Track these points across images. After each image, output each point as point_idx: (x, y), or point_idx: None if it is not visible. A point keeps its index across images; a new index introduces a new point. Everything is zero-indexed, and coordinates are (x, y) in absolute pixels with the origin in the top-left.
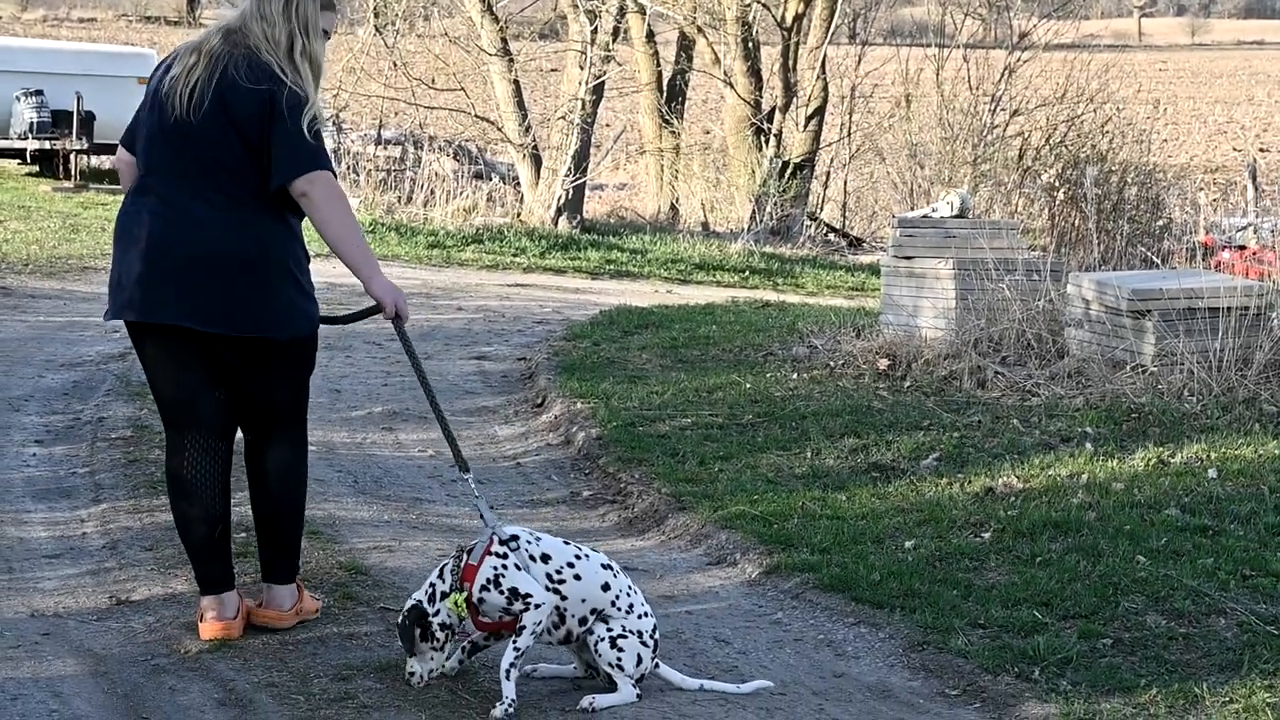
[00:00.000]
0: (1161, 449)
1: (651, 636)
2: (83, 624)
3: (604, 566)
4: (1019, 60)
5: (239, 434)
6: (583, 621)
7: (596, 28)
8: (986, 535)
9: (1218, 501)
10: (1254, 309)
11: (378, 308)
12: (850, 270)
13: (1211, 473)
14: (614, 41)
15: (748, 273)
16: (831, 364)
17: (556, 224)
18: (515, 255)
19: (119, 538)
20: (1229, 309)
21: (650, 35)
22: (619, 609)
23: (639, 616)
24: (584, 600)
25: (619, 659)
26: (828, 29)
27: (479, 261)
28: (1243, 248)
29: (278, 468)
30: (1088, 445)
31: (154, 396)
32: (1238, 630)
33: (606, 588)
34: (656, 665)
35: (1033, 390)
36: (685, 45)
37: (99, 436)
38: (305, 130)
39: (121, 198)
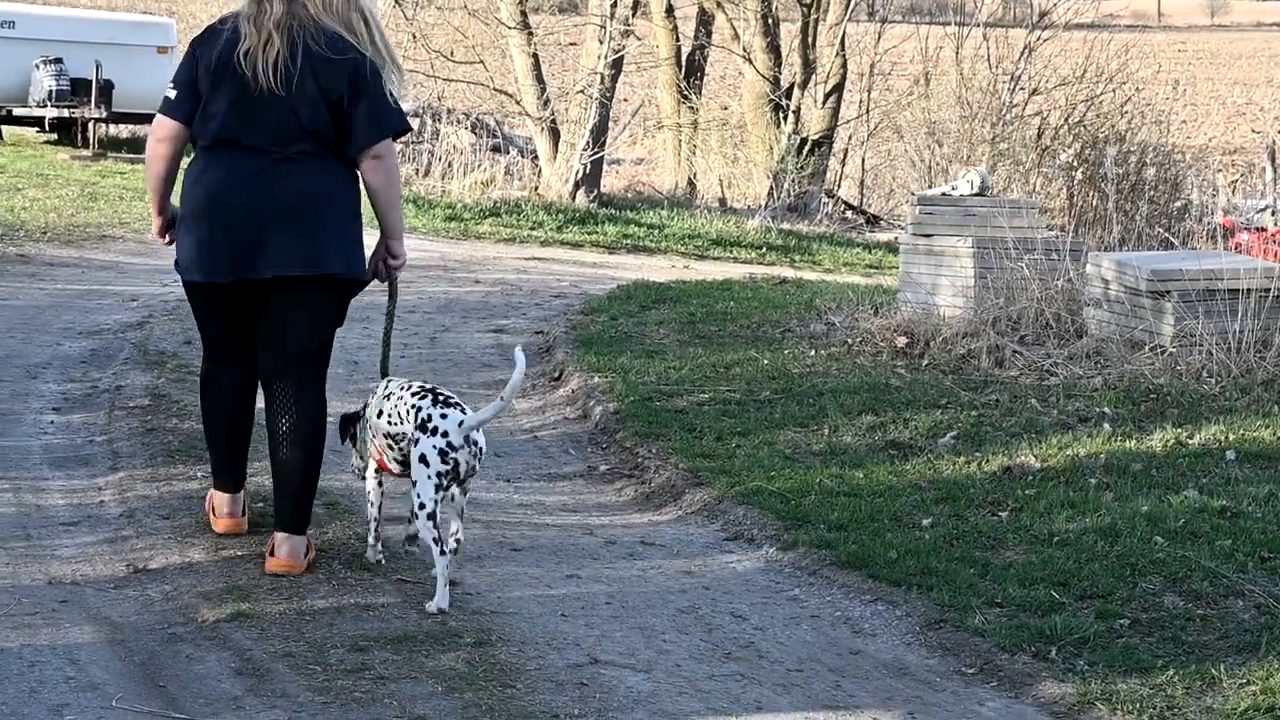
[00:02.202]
0: (1180, 430)
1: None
2: (100, 592)
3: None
4: (1039, 39)
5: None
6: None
7: (616, 2)
8: (1004, 514)
9: (1236, 483)
10: (1274, 291)
11: (369, 280)
12: (868, 248)
13: (1230, 454)
14: (633, 16)
15: (765, 249)
16: (849, 341)
17: (574, 198)
18: (533, 229)
19: (136, 506)
20: (1249, 290)
21: (670, 10)
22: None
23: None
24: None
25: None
26: (847, 5)
27: (496, 235)
28: (1262, 229)
29: (308, 425)
30: (1106, 425)
31: (201, 328)
32: (1255, 612)
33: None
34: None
35: (1051, 370)
36: (705, 20)
37: (117, 405)
38: (387, 94)
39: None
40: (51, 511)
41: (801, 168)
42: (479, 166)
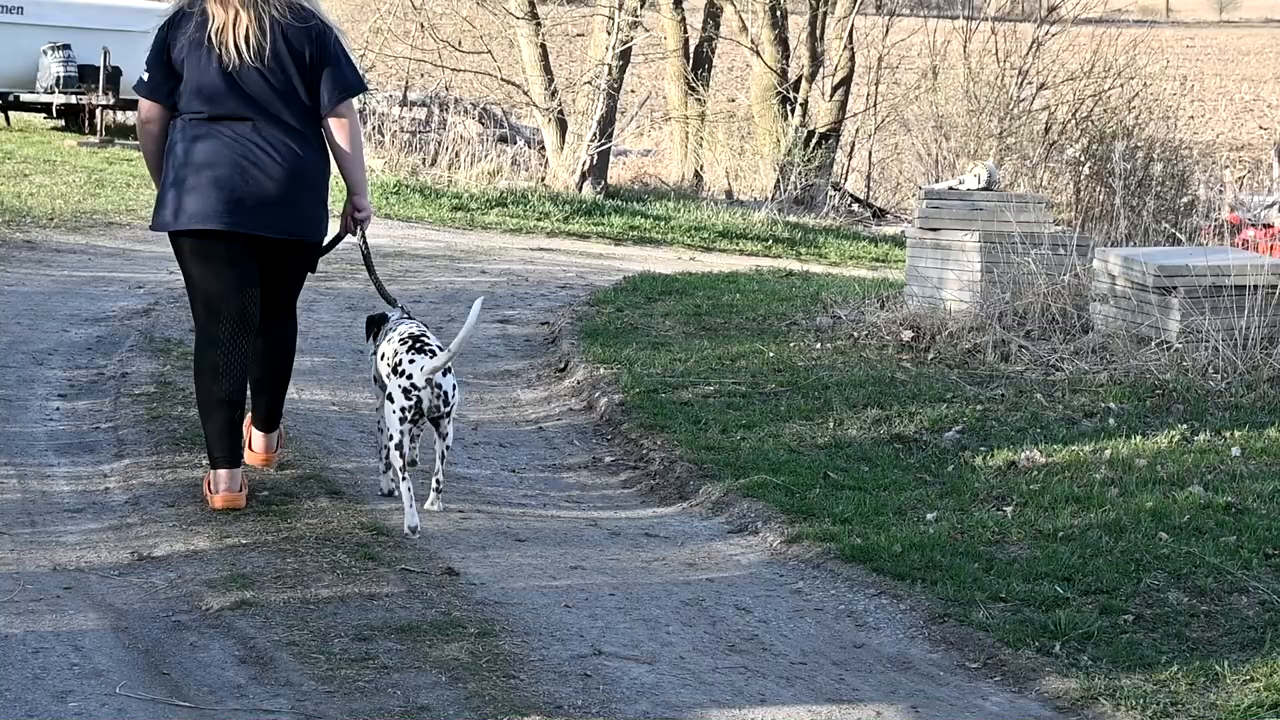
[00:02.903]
0: (1185, 426)
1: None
2: (104, 579)
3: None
4: (1047, 34)
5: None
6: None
7: None
8: (1008, 509)
9: (1240, 479)
10: None
11: (342, 234)
12: (874, 241)
13: (1235, 450)
14: (641, 7)
15: (771, 241)
16: (855, 334)
17: (581, 189)
18: (539, 219)
19: (141, 493)
20: (1255, 287)
21: (678, 2)
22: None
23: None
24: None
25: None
26: None
27: (503, 225)
28: (1269, 225)
29: (280, 345)
30: (1111, 421)
31: (195, 295)
32: (1259, 608)
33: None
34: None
35: (1057, 365)
36: (713, 12)
37: (122, 392)
38: (345, 58)
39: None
40: (56, 498)
41: (808, 160)
42: (486, 156)
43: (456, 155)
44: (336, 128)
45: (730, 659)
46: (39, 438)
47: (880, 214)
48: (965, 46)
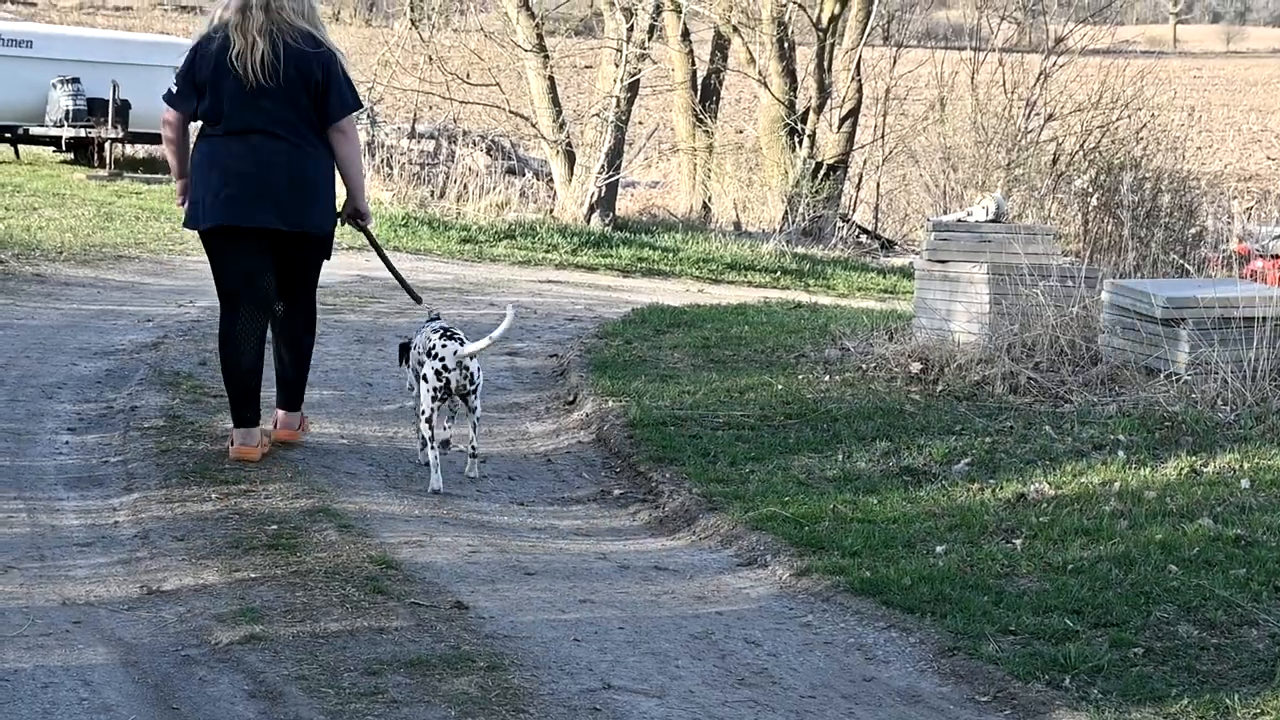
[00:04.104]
0: (1194, 458)
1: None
2: (113, 613)
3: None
4: (1054, 65)
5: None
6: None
7: (632, 25)
8: (1018, 542)
9: (1250, 512)
10: None
11: (342, 222)
12: (882, 273)
13: (1244, 483)
14: (649, 39)
15: (779, 273)
16: (864, 366)
17: (589, 221)
18: (547, 251)
19: (150, 527)
20: (1264, 319)
21: (686, 34)
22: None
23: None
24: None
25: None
26: (863, 30)
27: (511, 257)
28: (1277, 256)
29: (299, 329)
30: (1120, 453)
31: (219, 281)
32: (1269, 641)
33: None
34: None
35: (1065, 397)
36: (720, 44)
37: (131, 425)
38: (346, 80)
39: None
40: (66, 532)
41: (816, 192)
42: (494, 189)
43: (465, 187)
44: (338, 140)
45: (740, 693)
46: (48, 471)
47: (888, 245)
48: (973, 78)
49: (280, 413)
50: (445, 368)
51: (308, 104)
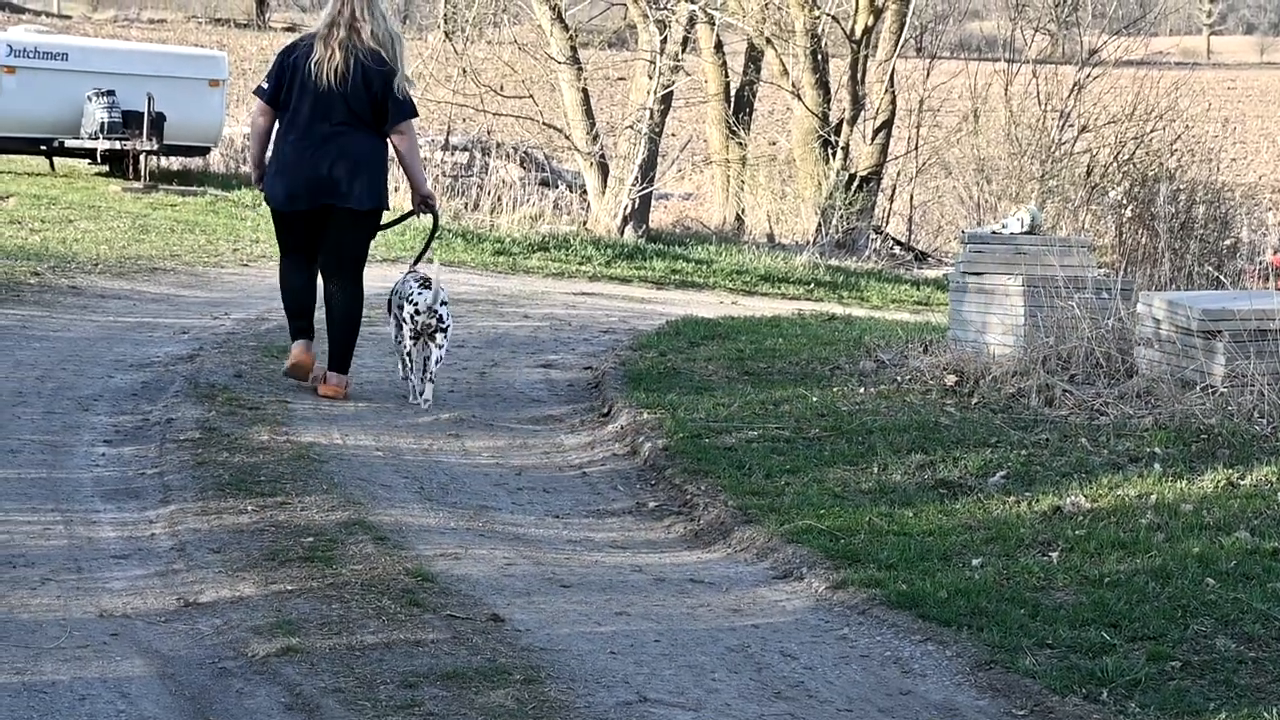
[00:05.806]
0: (1231, 471)
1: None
2: (150, 625)
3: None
4: (1088, 76)
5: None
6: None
7: (666, 37)
8: (1054, 555)
9: None
10: None
11: (414, 213)
12: (916, 285)
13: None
14: (683, 51)
15: (813, 285)
16: (899, 379)
17: (622, 233)
18: (581, 263)
19: (187, 539)
20: None
21: (719, 46)
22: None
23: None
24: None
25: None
26: (897, 42)
27: (545, 269)
28: None
29: (347, 294)
30: (1156, 466)
31: (280, 239)
32: None
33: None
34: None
35: (1101, 409)
36: (753, 56)
37: (168, 438)
38: (404, 92)
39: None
40: (102, 544)
41: (850, 204)
42: (528, 201)
43: (498, 200)
44: (398, 141)
45: (776, 706)
46: (85, 483)
47: (922, 257)
48: (1007, 89)
49: (328, 372)
50: (418, 311)
51: (366, 108)
